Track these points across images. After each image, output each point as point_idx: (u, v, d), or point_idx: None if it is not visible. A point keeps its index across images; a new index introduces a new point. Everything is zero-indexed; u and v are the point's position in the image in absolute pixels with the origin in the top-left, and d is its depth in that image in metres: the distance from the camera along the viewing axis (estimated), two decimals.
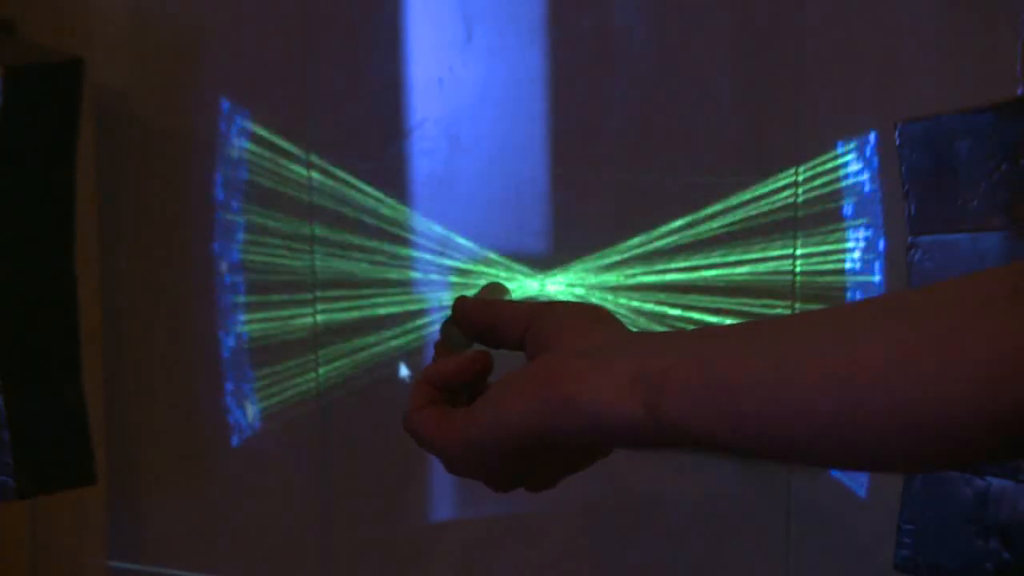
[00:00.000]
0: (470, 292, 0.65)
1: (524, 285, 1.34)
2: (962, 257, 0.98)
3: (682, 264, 1.27)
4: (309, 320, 1.46)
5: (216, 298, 1.51)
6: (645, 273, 1.29)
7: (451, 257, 1.39)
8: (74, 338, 1.41)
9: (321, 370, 1.46)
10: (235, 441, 1.53)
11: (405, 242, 1.41)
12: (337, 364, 1.46)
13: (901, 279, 1.12)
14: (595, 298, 1.31)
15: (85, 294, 1.46)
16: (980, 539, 0.99)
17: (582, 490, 1.36)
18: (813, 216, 1.22)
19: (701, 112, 1.26)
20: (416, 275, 1.41)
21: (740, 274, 1.25)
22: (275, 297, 1.48)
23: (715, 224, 1.25)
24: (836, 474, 1.24)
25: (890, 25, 1.17)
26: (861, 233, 1.20)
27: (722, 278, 1.26)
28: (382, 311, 1.43)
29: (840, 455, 0.48)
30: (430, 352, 1.43)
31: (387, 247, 1.41)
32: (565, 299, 1.30)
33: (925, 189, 1.00)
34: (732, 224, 1.25)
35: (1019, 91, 1.08)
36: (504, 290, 0.66)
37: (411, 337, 1.41)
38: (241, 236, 1.49)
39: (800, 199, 1.22)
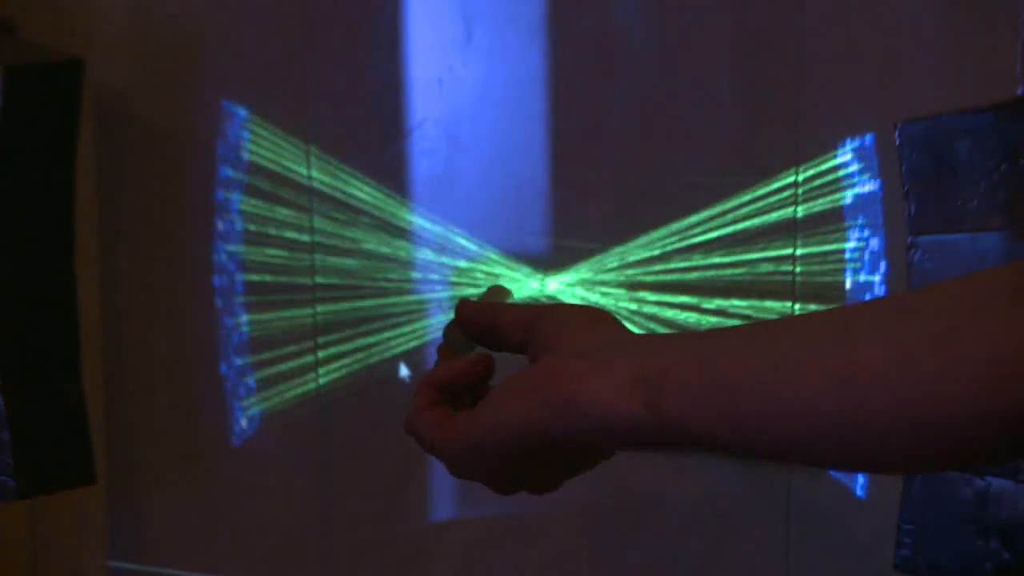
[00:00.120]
0: (470, 292, 0.65)
1: (524, 285, 1.34)
2: (962, 257, 0.98)
3: (682, 264, 1.27)
4: (309, 320, 1.46)
5: (216, 298, 1.51)
6: (645, 273, 1.29)
7: (451, 257, 1.39)
8: (74, 338, 1.41)
9: (321, 370, 1.46)
10: (235, 441, 1.53)
11: (405, 242, 1.41)
12: (337, 364, 1.46)
13: (901, 279, 1.12)
14: (595, 298, 1.31)
15: (85, 294, 1.46)
16: (980, 539, 0.99)
17: (582, 490, 1.36)
18: (813, 216, 1.22)
19: (701, 112, 1.26)
20: (416, 275, 1.41)
21: (740, 274, 1.25)
22: (275, 297, 1.48)
23: (715, 224, 1.25)
24: (836, 474, 1.24)
25: (890, 25, 1.17)
26: (861, 233, 1.20)
27: (722, 278, 1.26)
28: (382, 311, 1.43)
29: (840, 455, 0.49)
30: (430, 352, 1.44)
31: (387, 247, 1.41)
32: (566, 301, 1.30)
33: (925, 189, 1.00)
34: (732, 224, 1.25)
35: (1019, 91, 1.08)
36: (506, 293, 0.66)
37: (411, 337, 1.41)
38: (241, 236, 1.49)
39: (800, 199, 1.22)
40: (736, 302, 1.25)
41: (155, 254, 1.56)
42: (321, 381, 1.47)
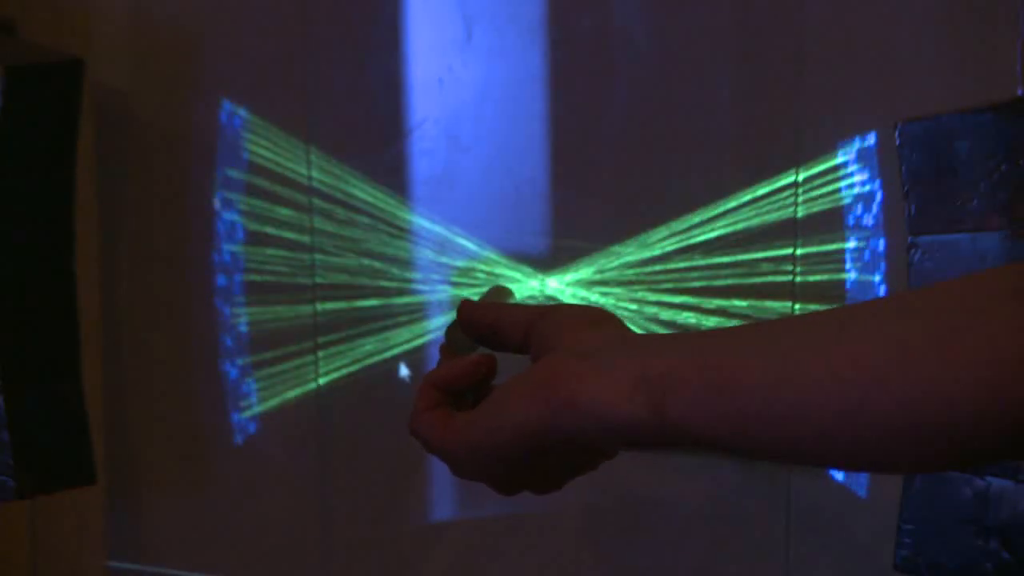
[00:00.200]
0: (470, 292, 0.65)
1: (524, 285, 1.34)
2: (962, 257, 0.98)
3: (682, 264, 1.27)
4: (309, 320, 1.46)
5: (216, 298, 1.51)
6: (645, 273, 1.29)
7: (451, 257, 1.39)
8: (74, 338, 1.41)
9: (321, 370, 1.46)
10: (235, 441, 1.53)
11: (405, 242, 1.41)
12: (337, 364, 1.46)
13: (901, 279, 1.12)
14: (595, 298, 1.31)
15: (85, 294, 1.46)
16: (980, 539, 0.99)
17: (582, 491, 1.36)
18: (813, 216, 1.22)
19: (701, 112, 1.26)
20: (416, 275, 1.41)
21: (740, 274, 1.25)
22: (275, 297, 1.48)
23: (715, 224, 1.25)
24: (836, 475, 1.24)
25: (890, 25, 1.17)
26: (861, 233, 1.20)
27: (722, 278, 1.26)
28: (382, 311, 1.43)
29: (841, 455, 0.49)
30: (430, 352, 1.44)
31: (387, 247, 1.41)
32: (568, 301, 1.30)
33: (925, 189, 1.01)
34: (732, 224, 1.25)
35: (1019, 91, 1.08)
36: (508, 293, 0.66)
37: (411, 337, 1.41)
38: (241, 236, 1.49)
39: (800, 199, 1.22)
40: (736, 302, 1.25)
41: (155, 254, 1.56)
42: (321, 381, 1.47)
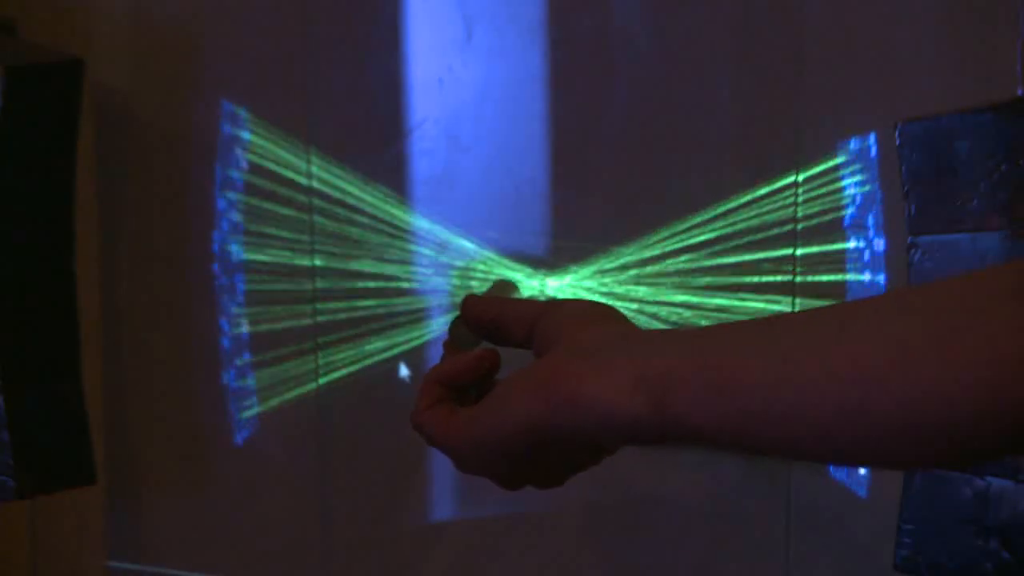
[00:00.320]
0: (470, 292, 0.65)
1: (524, 285, 1.34)
2: (962, 257, 0.98)
3: (682, 264, 1.27)
4: (309, 320, 1.46)
5: (216, 298, 1.51)
6: (645, 273, 1.29)
7: (451, 257, 1.39)
8: (74, 338, 1.41)
9: (321, 370, 1.46)
10: (235, 441, 1.53)
11: (405, 242, 1.41)
12: (337, 364, 1.46)
13: (901, 279, 1.12)
14: (595, 298, 1.31)
15: (85, 294, 1.46)
16: (980, 539, 0.99)
17: (582, 489, 1.36)
18: (813, 216, 1.22)
19: (701, 112, 1.26)
20: (416, 275, 1.41)
21: (739, 274, 1.25)
22: (275, 297, 1.48)
23: (715, 224, 1.25)
24: (836, 474, 1.24)
25: (890, 25, 1.17)
26: (861, 233, 1.20)
27: (722, 278, 1.26)
28: (382, 311, 1.43)
29: (841, 453, 0.49)
30: (430, 352, 1.44)
31: (387, 247, 1.41)
32: (572, 297, 1.30)
33: (925, 189, 1.00)
34: (732, 224, 1.25)
35: (1019, 91, 1.08)
36: (513, 288, 0.66)
37: (411, 337, 1.41)
38: (241, 236, 1.49)
39: (800, 199, 1.22)
40: (736, 302, 1.25)
41: (155, 254, 1.56)
42: (321, 381, 1.47)
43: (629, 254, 1.29)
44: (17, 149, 1.33)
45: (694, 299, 1.27)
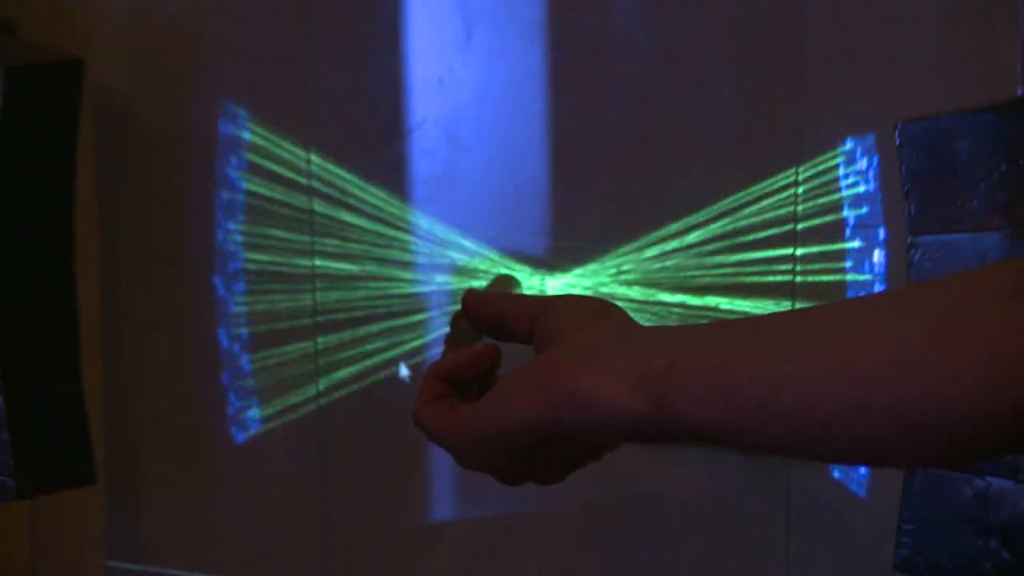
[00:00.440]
0: (471, 288, 0.65)
1: (525, 285, 1.34)
2: (962, 257, 0.98)
3: (681, 264, 1.27)
4: (309, 320, 1.46)
5: (216, 298, 1.51)
6: (644, 273, 1.29)
7: (451, 257, 1.39)
8: (74, 338, 1.41)
9: (321, 370, 1.46)
10: (235, 441, 1.53)
11: (405, 242, 1.41)
12: (337, 364, 1.46)
13: (901, 279, 1.12)
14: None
15: (85, 294, 1.46)
16: (980, 539, 0.99)
17: (582, 490, 1.36)
18: (813, 216, 1.22)
19: (701, 112, 1.26)
20: (416, 275, 1.41)
21: (739, 274, 1.25)
22: (275, 297, 1.48)
23: (714, 224, 1.25)
24: (836, 475, 1.24)
25: (890, 25, 1.17)
26: (861, 233, 1.20)
27: (722, 278, 1.26)
28: (382, 311, 1.43)
29: (840, 452, 0.49)
30: (430, 352, 1.44)
31: (387, 247, 1.41)
32: (573, 293, 1.30)
33: (925, 189, 1.01)
34: (732, 224, 1.25)
35: (1019, 91, 1.08)
36: (514, 283, 0.66)
37: (411, 337, 1.41)
38: (241, 236, 1.49)
39: (800, 199, 1.22)
40: (736, 302, 1.25)
41: (155, 254, 1.56)
42: (321, 381, 1.47)
43: (629, 254, 1.29)
44: (17, 149, 1.33)
45: (694, 299, 1.27)
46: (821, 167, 1.21)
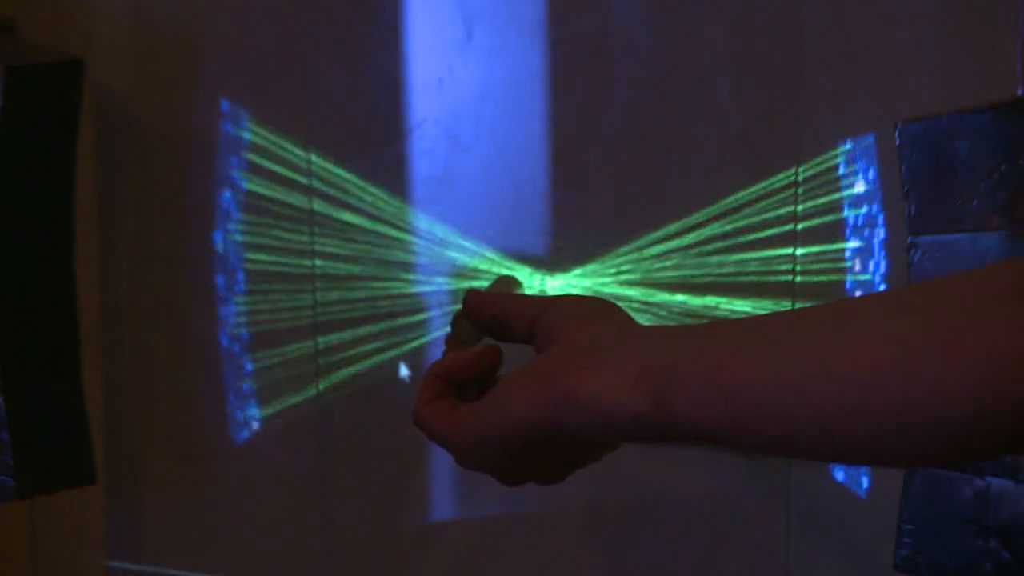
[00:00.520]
0: (472, 288, 0.65)
1: (525, 285, 1.34)
2: (962, 257, 0.98)
3: (681, 264, 1.27)
4: (309, 320, 1.46)
5: (216, 298, 1.51)
6: (644, 273, 1.29)
7: (451, 257, 1.39)
8: (74, 338, 1.41)
9: (321, 370, 1.46)
10: (235, 441, 1.53)
11: (405, 242, 1.41)
12: (337, 364, 1.46)
13: (901, 279, 1.12)
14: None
15: (85, 294, 1.46)
16: (980, 539, 0.99)
17: (582, 490, 1.36)
18: (813, 216, 1.22)
19: (701, 112, 1.26)
20: (416, 275, 1.41)
21: (739, 274, 1.25)
22: (275, 297, 1.48)
23: (714, 224, 1.25)
24: (836, 474, 1.24)
25: (890, 25, 1.17)
26: (861, 233, 1.20)
27: (722, 278, 1.26)
28: (382, 311, 1.43)
29: (840, 451, 0.49)
30: (431, 353, 1.44)
31: (387, 247, 1.41)
32: (573, 293, 1.30)
33: (925, 189, 1.01)
34: (731, 224, 1.25)
35: (1019, 91, 1.08)
36: (515, 283, 0.66)
37: (411, 337, 1.41)
38: (241, 236, 1.49)
39: (800, 199, 1.22)
40: (736, 302, 1.25)
41: (155, 254, 1.56)
42: (321, 381, 1.47)
43: (629, 254, 1.29)
44: (17, 149, 1.33)
45: (694, 299, 1.27)
46: (821, 167, 1.21)
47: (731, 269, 1.25)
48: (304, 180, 1.44)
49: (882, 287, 1.19)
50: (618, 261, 1.30)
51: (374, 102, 1.42)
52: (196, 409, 1.56)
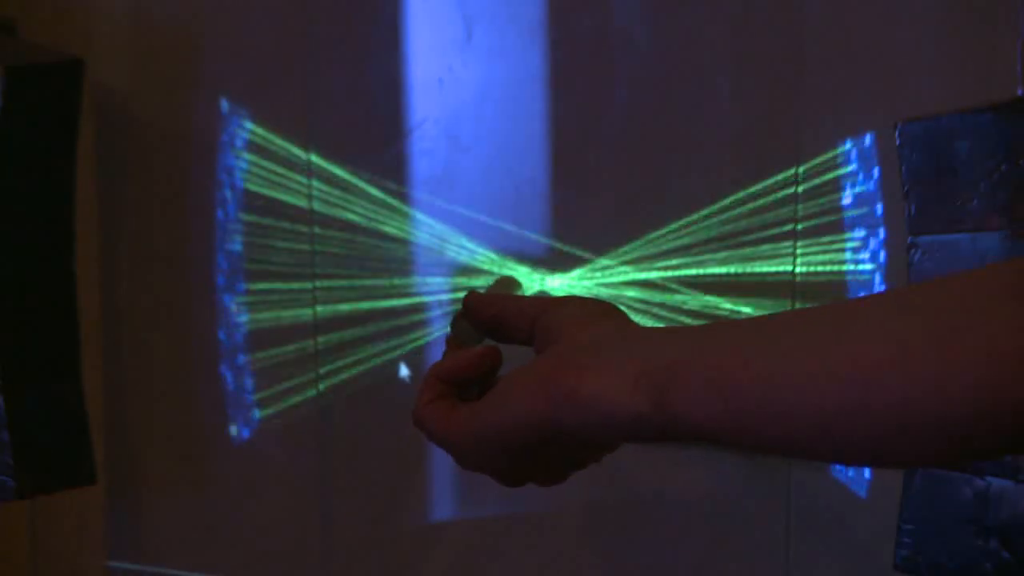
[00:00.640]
0: (472, 289, 0.65)
1: (525, 284, 1.34)
2: (962, 257, 0.98)
3: (682, 264, 1.27)
4: (309, 320, 1.46)
5: (216, 298, 1.51)
6: (645, 273, 1.29)
7: (451, 257, 1.39)
8: (74, 338, 1.41)
9: (321, 370, 1.46)
10: (235, 441, 1.53)
11: (405, 242, 1.41)
12: (337, 364, 1.46)
13: (901, 279, 1.12)
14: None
15: (85, 294, 1.46)
16: (980, 539, 0.99)
17: (582, 490, 1.36)
18: (813, 216, 1.22)
19: (701, 112, 1.26)
20: (416, 275, 1.41)
21: (740, 273, 1.25)
22: (275, 297, 1.48)
23: (715, 224, 1.25)
24: (836, 475, 1.24)
25: (890, 25, 1.17)
26: (861, 233, 1.20)
27: (722, 278, 1.26)
28: (382, 311, 1.43)
29: (840, 451, 0.49)
30: (430, 353, 1.44)
31: (387, 247, 1.41)
32: (573, 294, 1.30)
33: (925, 189, 1.01)
34: (732, 224, 1.25)
35: (1019, 91, 1.08)
36: (516, 284, 0.66)
37: (411, 337, 1.41)
38: (241, 236, 1.49)
39: (800, 199, 1.22)
40: (736, 302, 1.25)
41: (155, 254, 1.56)
42: (321, 382, 1.47)
43: (629, 254, 1.29)
44: (17, 149, 1.33)
45: (694, 299, 1.27)
46: (821, 167, 1.21)
47: (731, 269, 1.25)
48: (304, 180, 1.44)
49: (882, 287, 1.20)
50: (618, 261, 1.30)
51: (374, 102, 1.42)
52: (196, 409, 1.56)
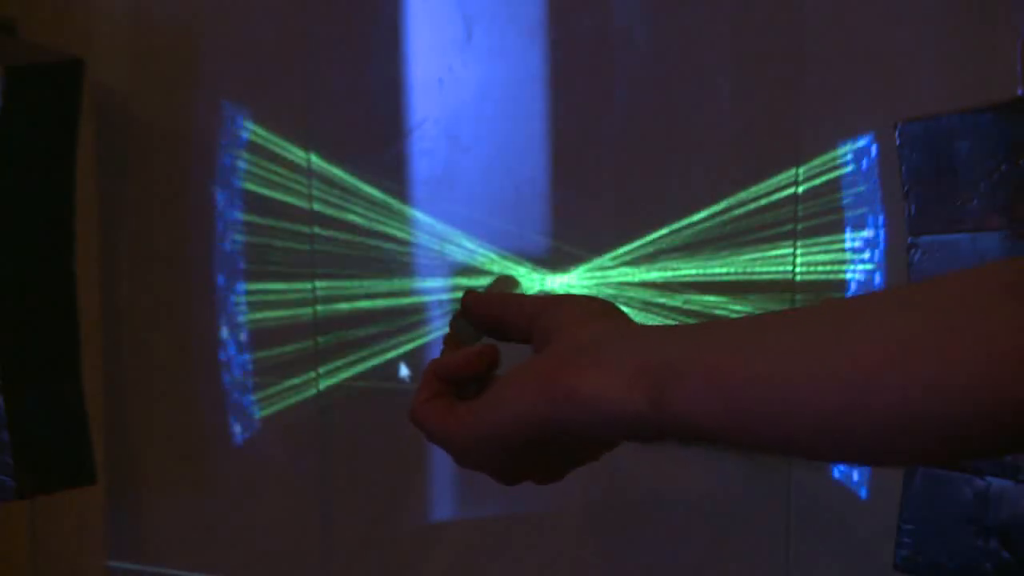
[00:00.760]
0: (471, 288, 0.65)
1: (525, 284, 1.34)
2: (962, 257, 0.98)
3: (682, 263, 1.27)
4: (309, 320, 1.46)
5: (216, 298, 1.51)
6: (645, 273, 1.29)
7: (451, 257, 1.38)
8: (74, 338, 1.41)
9: (321, 370, 1.46)
10: (235, 441, 1.52)
11: (405, 242, 1.41)
12: (337, 364, 1.46)
13: (901, 279, 1.12)
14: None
15: (85, 294, 1.46)
16: (980, 539, 0.99)
17: (582, 490, 1.36)
18: (813, 216, 1.22)
19: (701, 112, 1.26)
20: (416, 275, 1.41)
21: (740, 273, 1.25)
22: (275, 297, 1.48)
23: (715, 224, 1.25)
24: (837, 475, 1.24)
25: (890, 26, 1.17)
26: (861, 233, 1.20)
27: (722, 277, 1.25)
28: (382, 311, 1.42)
29: (839, 450, 0.49)
30: (430, 353, 1.44)
31: (387, 247, 1.41)
32: (572, 292, 1.30)
33: (925, 189, 1.00)
34: (732, 223, 1.25)
35: (1019, 91, 1.08)
36: (514, 283, 0.66)
37: (411, 337, 1.41)
38: (241, 235, 1.49)
39: (800, 199, 1.22)
40: (736, 302, 1.25)
41: (155, 254, 1.56)
42: (321, 382, 1.47)
43: (629, 253, 1.29)
44: (17, 149, 1.33)
45: (694, 299, 1.27)
46: (821, 167, 1.21)
47: (731, 269, 1.25)
48: (304, 180, 1.44)
49: (882, 287, 1.20)
50: (618, 261, 1.30)
51: (374, 102, 1.42)
52: (196, 409, 1.56)
